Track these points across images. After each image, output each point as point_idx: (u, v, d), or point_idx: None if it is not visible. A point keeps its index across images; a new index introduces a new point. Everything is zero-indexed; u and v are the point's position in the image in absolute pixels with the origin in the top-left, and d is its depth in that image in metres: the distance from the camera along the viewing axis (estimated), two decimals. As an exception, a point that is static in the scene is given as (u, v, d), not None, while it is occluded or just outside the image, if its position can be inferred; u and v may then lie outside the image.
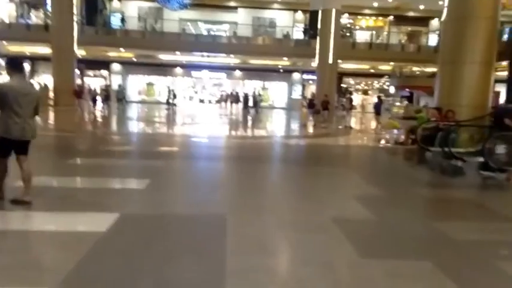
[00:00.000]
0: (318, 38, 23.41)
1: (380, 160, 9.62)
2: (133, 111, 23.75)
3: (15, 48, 29.62)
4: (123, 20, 30.08)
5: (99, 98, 21.56)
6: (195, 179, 6.37)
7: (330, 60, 22.55)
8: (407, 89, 27.18)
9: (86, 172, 6.55)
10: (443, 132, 8.15)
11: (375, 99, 34.40)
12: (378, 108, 16.32)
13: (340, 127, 17.02)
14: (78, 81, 31.58)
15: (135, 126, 16.03)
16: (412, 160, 9.45)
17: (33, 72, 33.17)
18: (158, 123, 17.83)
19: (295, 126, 18.85)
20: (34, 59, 31.85)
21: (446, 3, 10.11)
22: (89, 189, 5.38)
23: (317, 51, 23.18)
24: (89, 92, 22.20)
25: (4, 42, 27.37)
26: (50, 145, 9.15)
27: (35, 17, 30.93)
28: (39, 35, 25.02)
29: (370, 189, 5.85)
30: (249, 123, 18.80)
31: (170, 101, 25.28)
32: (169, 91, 25.75)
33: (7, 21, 28.10)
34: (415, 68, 27.01)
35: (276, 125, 19.66)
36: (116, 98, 22.82)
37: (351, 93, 30.16)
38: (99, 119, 17.66)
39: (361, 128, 18.30)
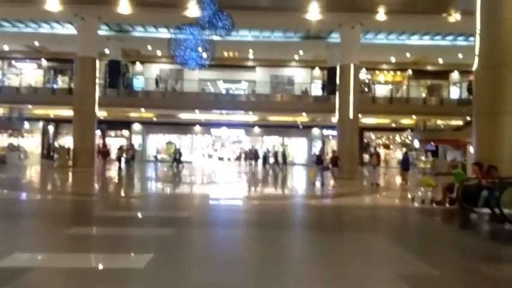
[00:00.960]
0: (337, 93, 23.09)
1: (418, 224, 8.51)
2: (155, 170, 23.25)
3: (39, 111, 30.60)
4: (157, 82, 30.79)
5: (123, 158, 21.43)
6: (208, 253, 5.49)
7: (351, 115, 21.99)
8: (432, 143, 26.12)
9: (79, 245, 5.73)
10: (489, 191, 7.15)
11: (398, 154, 33.90)
12: (405, 163, 15.33)
13: (366, 184, 15.99)
14: (99, 141, 32.28)
15: (151, 187, 15.43)
16: (454, 223, 8.34)
17: (56, 134, 33.90)
18: (173, 183, 17.20)
19: (317, 184, 17.89)
20: (58, 121, 32.69)
21: (477, 52, 9.50)
22: (70, 270, 4.52)
23: (337, 106, 22.76)
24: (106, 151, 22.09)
25: (29, 105, 28.23)
26: (53, 211, 8.56)
27: (61, 82, 32.19)
28: (63, 98, 25.74)
29: (417, 265, 4.87)
30: (269, 182, 18.00)
31: (177, 158, 24.91)
32: (175, 149, 25.52)
33: (37, 87, 29.23)
34: (439, 122, 26.12)
35: (297, 184, 18.74)
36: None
37: (375, 148, 29.14)
38: (117, 180, 17.25)
39: (389, 185, 17.11)
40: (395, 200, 12.30)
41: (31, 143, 31.79)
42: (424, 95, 32.14)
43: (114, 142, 31.51)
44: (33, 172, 21.11)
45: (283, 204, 10.90)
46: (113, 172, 20.11)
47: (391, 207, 10.74)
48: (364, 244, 6.05)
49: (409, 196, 11.88)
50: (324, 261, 5.19)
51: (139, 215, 8.65)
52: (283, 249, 5.73)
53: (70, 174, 19.13)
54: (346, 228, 7.59)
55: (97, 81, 23.09)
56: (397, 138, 34.82)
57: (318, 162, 15.99)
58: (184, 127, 34.07)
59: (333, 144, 34.15)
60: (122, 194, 13.15)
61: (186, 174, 21.23)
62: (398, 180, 18.05)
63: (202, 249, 5.80)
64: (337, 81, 23.27)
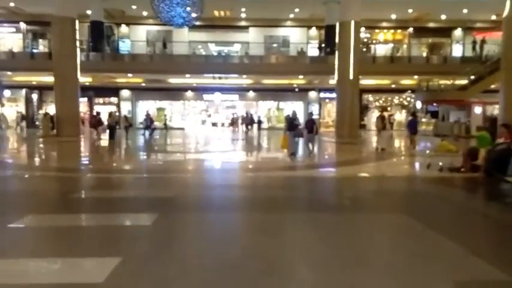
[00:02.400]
0: (336, 53, 21.64)
1: (443, 198, 7.06)
2: (142, 139, 22.09)
3: (21, 78, 28.89)
4: (165, 44, 28.90)
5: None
6: (198, 257, 4.41)
7: (351, 76, 20.68)
8: (435, 104, 25.05)
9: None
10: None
11: (398, 116, 32.81)
12: (413, 126, 14.21)
13: (370, 150, 14.96)
14: (86, 109, 30.84)
15: (137, 159, 14.30)
16: (485, 195, 7.26)
17: (40, 102, 32.32)
18: (160, 152, 16.10)
19: (317, 151, 16.86)
20: (42, 89, 31.05)
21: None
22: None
23: (336, 66, 21.38)
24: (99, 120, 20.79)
25: (8, 72, 26.50)
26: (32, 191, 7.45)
27: (43, 46, 30.23)
28: (44, 63, 24.01)
29: (474, 264, 3.76)
30: (263, 149, 16.98)
31: (148, 124, 23.37)
32: (146, 114, 24.13)
33: (14, 52, 27.32)
34: (442, 81, 24.89)
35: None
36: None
37: (383, 110, 27.79)
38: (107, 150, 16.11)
39: (396, 150, 15.92)
40: (408, 168, 11.24)
41: (10, 112, 30.16)
42: (425, 54, 30.72)
43: (103, 109, 30.08)
44: (12, 143, 19.84)
45: (285, 175, 9.72)
46: (104, 142, 18.92)
47: (405, 177, 9.53)
48: (389, 229, 4.99)
49: (425, 163, 10.61)
50: (344, 253, 4.17)
51: (124, 195, 7.53)
52: (290, 241, 4.69)
53: (52, 145, 17.85)
54: (358, 206, 6.41)
55: (77, 43, 21.36)
56: (397, 100, 33.64)
57: (290, 127, 12.64)
58: (175, 93, 32.63)
59: (329, 108, 33.11)
60: (111, 167, 12.03)
61: (176, 143, 20.13)
62: (405, 144, 17.00)
63: (190, 249, 4.74)
64: (337, 40, 21.76)
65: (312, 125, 12.97)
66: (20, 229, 5.00)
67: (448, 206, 6.47)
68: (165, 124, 28.45)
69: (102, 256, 3.95)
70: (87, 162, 12.87)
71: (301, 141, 13.51)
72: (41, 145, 18.38)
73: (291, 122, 12.75)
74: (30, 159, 13.83)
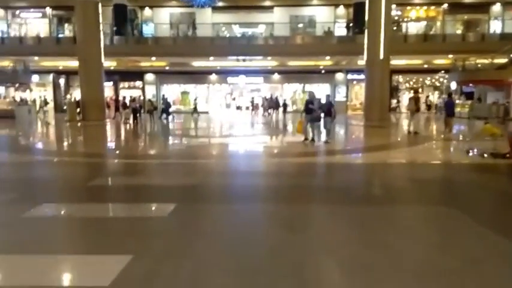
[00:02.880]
0: (365, 32, 20.57)
1: (492, 189, 6.25)
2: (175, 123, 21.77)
3: (48, 63, 29.21)
4: (194, 25, 28.37)
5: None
6: (215, 257, 3.94)
7: (381, 56, 19.66)
8: (471, 84, 23.60)
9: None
10: None
11: (431, 98, 31.30)
12: (450, 108, 13.23)
13: (402, 133, 14.10)
14: (111, 93, 30.99)
15: (156, 147, 14.06)
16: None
17: (68, 86, 32.71)
18: (190, 138, 15.80)
19: (343, 135, 16.15)
20: (69, 73, 31.34)
21: None
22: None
23: (365, 46, 20.37)
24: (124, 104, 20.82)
25: (36, 57, 26.80)
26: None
27: (68, 31, 30.38)
28: (69, 48, 23.99)
29: None
30: (288, 133, 16.36)
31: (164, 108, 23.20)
32: (163, 98, 24.28)
33: (40, 37, 27.57)
34: (480, 60, 23.33)
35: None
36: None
37: (416, 91, 26.42)
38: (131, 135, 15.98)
39: (430, 134, 14.85)
40: (445, 154, 10.40)
41: (43, 96, 30.71)
42: (459, 32, 28.94)
43: (128, 93, 30.11)
44: (38, 128, 20.07)
45: (303, 163, 9.11)
46: (127, 126, 18.86)
47: (442, 164, 8.75)
48: (435, 225, 4.42)
49: (464, 148, 9.80)
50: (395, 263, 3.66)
51: (144, 182, 7.21)
52: (319, 239, 4.21)
53: (76, 129, 17.89)
54: (394, 197, 5.79)
55: (101, 27, 21.21)
56: (429, 80, 32.08)
57: (307, 110, 11.84)
58: (199, 76, 32.22)
59: (357, 90, 31.97)
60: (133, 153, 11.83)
61: (200, 127, 19.82)
62: (439, 127, 15.96)
63: (206, 250, 4.33)
64: (366, 18, 20.66)
65: (329, 109, 12.09)
66: (32, 220, 4.73)
67: (496, 197, 5.79)
68: (195, 108, 27.54)
69: (111, 253, 3.61)
70: (109, 147, 12.73)
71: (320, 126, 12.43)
72: (64, 130, 18.41)
73: (307, 105, 11.95)
74: (51, 144, 13.77)
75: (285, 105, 27.56)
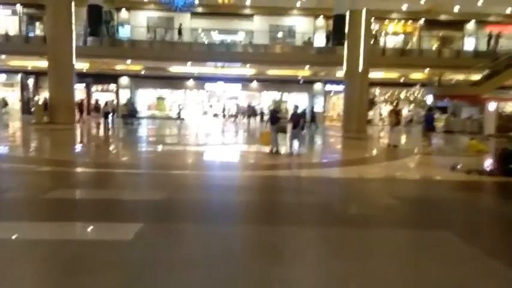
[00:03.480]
0: (345, 43, 20.53)
1: (485, 209, 5.96)
2: (143, 129, 20.96)
3: (16, 63, 27.88)
4: (180, 31, 27.32)
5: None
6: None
7: (360, 68, 19.62)
8: (446, 99, 23.96)
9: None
10: None
11: (404, 112, 31.61)
12: (430, 122, 13.12)
13: (380, 146, 13.91)
14: (83, 95, 29.81)
15: (128, 155, 13.32)
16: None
17: (37, 88, 31.29)
18: (157, 145, 15.10)
19: (320, 146, 15.83)
20: (38, 74, 29.99)
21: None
22: None
23: (345, 57, 20.31)
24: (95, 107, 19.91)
25: (3, 56, 25.49)
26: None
27: (40, 31, 29.12)
28: (39, 47, 22.91)
29: None
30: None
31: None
32: (130, 103, 24.30)
33: (9, 35, 26.22)
34: (455, 76, 23.77)
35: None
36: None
37: (396, 104, 26.46)
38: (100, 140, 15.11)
39: (409, 148, 14.27)
40: (428, 169, 9.99)
41: (10, 97, 29.23)
42: (435, 47, 29.53)
43: (101, 97, 29.05)
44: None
45: (277, 176, 8.59)
46: (98, 131, 17.95)
47: (429, 181, 8.36)
48: (435, 255, 3.96)
49: (447, 164, 9.42)
50: None
51: (108, 196, 6.55)
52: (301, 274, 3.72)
53: (42, 133, 16.80)
54: (383, 218, 5.30)
55: (73, 27, 20.29)
56: (404, 94, 32.46)
57: (272, 120, 11.32)
58: (176, 81, 31.51)
59: (334, 101, 32.00)
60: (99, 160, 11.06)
61: (175, 134, 19.12)
62: (418, 141, 15.75)
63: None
64: (346, 30, 20.64)
65: (297, 120, 11.17)
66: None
67: (497, 222, 5.39)
68: (178, 114, 27.35)
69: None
70: (74, 153, 11.87)
71: (287, 137, 11.81)
72: (27, 133, 17.25)
73: (272, 115, 11.40)
74: (9, 149, 12.61)
75: (261, 114, 27.20)
